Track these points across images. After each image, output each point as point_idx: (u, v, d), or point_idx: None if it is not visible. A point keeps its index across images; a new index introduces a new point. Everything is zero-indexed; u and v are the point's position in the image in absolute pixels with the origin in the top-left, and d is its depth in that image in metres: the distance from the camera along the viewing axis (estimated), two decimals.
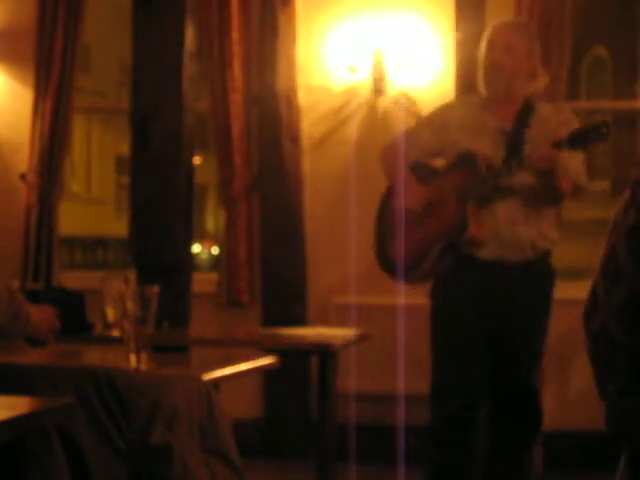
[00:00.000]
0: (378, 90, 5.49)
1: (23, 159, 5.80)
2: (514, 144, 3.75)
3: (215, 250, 8.26)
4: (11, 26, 5.85)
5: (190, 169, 4.67)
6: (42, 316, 2.95)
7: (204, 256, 11.46)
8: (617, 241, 1.78)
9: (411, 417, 4.52)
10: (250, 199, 5.68)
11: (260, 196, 5.69)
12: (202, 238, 11.70)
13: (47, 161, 5.77)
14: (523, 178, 3.73)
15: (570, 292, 4.05)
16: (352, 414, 4.95)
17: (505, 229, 3.75)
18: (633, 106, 6.16)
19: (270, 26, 5.60)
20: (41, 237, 5.76)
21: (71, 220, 7.88)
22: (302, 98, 5.62)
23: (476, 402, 3.82)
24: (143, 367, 2.64)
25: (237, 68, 5.61)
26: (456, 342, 3.79)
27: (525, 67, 3.86)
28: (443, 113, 3.98)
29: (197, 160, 5.70)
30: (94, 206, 13.58)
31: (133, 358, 2.65)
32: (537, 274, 3.83)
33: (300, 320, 5.39)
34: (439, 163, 3.96)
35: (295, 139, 5.63)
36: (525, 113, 3.83)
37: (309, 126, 5.64)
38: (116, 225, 10.08)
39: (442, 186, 3.84)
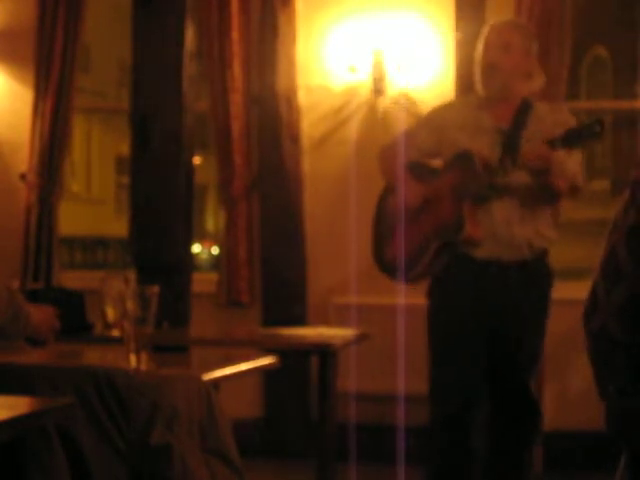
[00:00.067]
0: (378, 90, 5.49)
1: (23, 159, 5.80)
2: (510, 143, 3.76)
3: (215, 250, 8.26)
4: (11, 26, 5.85)
5: (190, 169, 4.67)
6: (42, 316, 2.95)
7: (204, 256, 11.45)
8: (617, 241, 1.78)
9: (411, 417, 4.52)
10: (250, 199, 5.68)
11: (260, 196, 5.70)
12: (202, 238, 11.69)
13: (47, 161, 5.77)
14: (519, 177, 3.73)
15: (570, 292, 4.05)
16: (352, 414, 4.96)
17: (501, 228, 3.75)
18: (633, 106, 6.17)
19: (270, 26, 5.61)
20: (41, 237, 5.76)
21: (71, 220, 7.87)
22: (302, 98, 5.62)
23: (474, 402, 3.82)
24: (143, 367, 2.64)
25: (237, 68, 5.61)
26: (453, 342, 3.79)
27: (522, 66, 3.86)
28: (441, 113, 3.98)
29: (197, 160, 5.70)
30: (94, 206, 13.57)
31: (133, 358, 2.65)
32: (534, 274, 3.82)
33: (300, 320, 5.39)
34: (437, 163, 3.96)
35: (295, 139, 5.63)
36: (522, 112, 3.83)
37: (309, 126, 5.64)
38: (116, 225, 10.07)
39: (439, 185, 3.84)
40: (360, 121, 5.56)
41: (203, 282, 5.52)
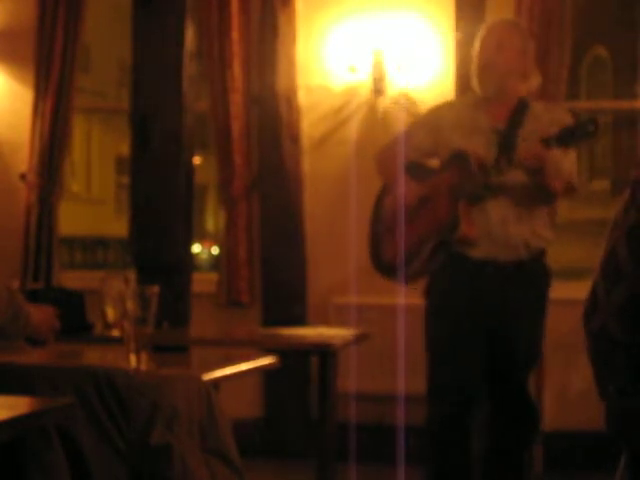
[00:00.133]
0: (378, 90, 5.49)
1: (23, 159, 5.80)
2: (506, 143, 3.76)
3: (215, 250, 8.26)
4: (11, 26, 5.85)
5: (190, 169, 4.67)
6: (42, 316, 2.95)
7: (204, 256, 11.45)
8: (617, 241, 1.78)
9: (411, 417, 4.52)
10: (250, 199, 5.68)
11: (260, 196, 5.70)
12: (202, 238, 11.69)
13: (47, 161, 5.77)
14: (515, 177, 3.73)
15: (569, 292, 4.05)
16: (352, 414, 4.95)
17: (497, 228, 3.75)
18: (633, 106, 6.16)
19: (270, 26, 5.61)
20: (41, 237, 5.76)
21: (71, 220, 7.87)
22: (302, 98, 5.62)
23: (473, 401, 3.82)
24: (143, 367, 2.64)
25: (237, 68, 5.61)
26: (450, 342, 3.79)
27: (517, 66, 3.86)
28: (438, 113, 3.99)
29: (197, 160, 5.70)
30: (94, 206, 13.57)
31: (133, 358, 2.65)
32: (531, 274, 3.82)
33: (300, 320, 5.39)
34: (434, 163, 3.97)
35: (295, 139, 5.63)
36: (519, 112, 3.83)
37: (309, 126, 5.64)
38: (116, 225, 10.07)
39: (435, 185, 3.85)
40: (360, 121, 5.56)
41: (203, 282, 5.52)
